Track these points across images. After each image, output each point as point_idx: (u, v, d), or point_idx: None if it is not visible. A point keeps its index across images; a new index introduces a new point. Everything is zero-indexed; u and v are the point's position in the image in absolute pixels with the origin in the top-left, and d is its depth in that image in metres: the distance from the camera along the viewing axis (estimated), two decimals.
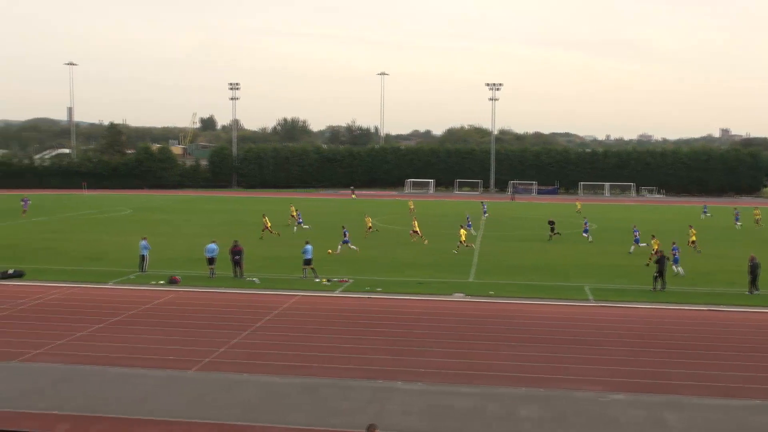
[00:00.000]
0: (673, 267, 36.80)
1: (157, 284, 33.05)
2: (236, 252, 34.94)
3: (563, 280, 35.24)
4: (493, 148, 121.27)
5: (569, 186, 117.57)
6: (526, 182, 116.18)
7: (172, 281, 33.40)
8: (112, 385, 19.13)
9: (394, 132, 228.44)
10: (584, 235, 51.94)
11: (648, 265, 38.74)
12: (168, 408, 17.44)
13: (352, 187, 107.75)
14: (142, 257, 36.04)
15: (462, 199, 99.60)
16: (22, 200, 69.30)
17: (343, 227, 45.83)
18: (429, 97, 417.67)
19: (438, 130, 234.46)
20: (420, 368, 20.81)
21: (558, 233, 51.93)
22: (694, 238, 46.08)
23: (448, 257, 42.34)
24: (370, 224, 53.19)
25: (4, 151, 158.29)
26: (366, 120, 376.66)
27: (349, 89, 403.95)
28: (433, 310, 28.68)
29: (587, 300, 30.87)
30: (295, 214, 58.58)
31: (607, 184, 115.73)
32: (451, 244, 48.20)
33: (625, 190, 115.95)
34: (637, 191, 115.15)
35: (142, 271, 35.65)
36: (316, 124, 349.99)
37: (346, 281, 34.05)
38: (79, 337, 23.85)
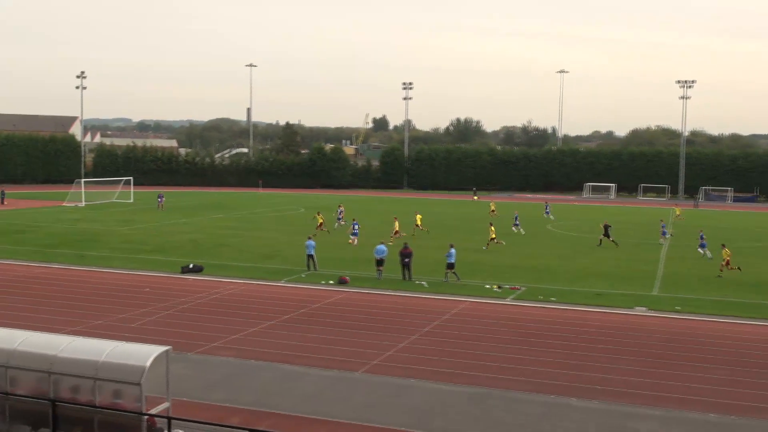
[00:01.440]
0: None
1: (327, 284, 34.19)
2: (406, 254, 35.42)
3: (763, 298, 32.75)
4: (683, 151, 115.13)
5: None
6: (720, 188, 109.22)
7: (341, 281, 34.43)
8: (282, 381, 19.97)
9: (572, 133, 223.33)
10: (662, 237, 52.67)
11: (720, 276, 37.80)
12: (335, 408, 17.93)
13: (474, 188, 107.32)
14: (310, 257, 37.46)
15: (647, 205, 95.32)
16: (159, 197, 75.55)
17: (354, 220, 50.84)
18: (612, 95, 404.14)
19: (621, 131, 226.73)
20: (596, 385, 20.07)
21: (613, 241, 49.42)
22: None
23: (630, 267, 40.63)
24: (419, 222, 54.53)
25: (189, 149, 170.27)
26: (543, 120, 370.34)
27: (526, 88, 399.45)
28: (612, 323, 27.63)
29: None
30: (338, 213, 60.04)
31: None
32: (638, 252, 46.29)
33: None
34: None
35: (313, 269, 37.01)
36: (490, 125, 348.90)
37: (517, 289, 33.58)
38: (252, 332, 25.13)
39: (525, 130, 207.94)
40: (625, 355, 23.15)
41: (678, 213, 71.97)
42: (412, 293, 32.52)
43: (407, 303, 30.52)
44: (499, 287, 33.71)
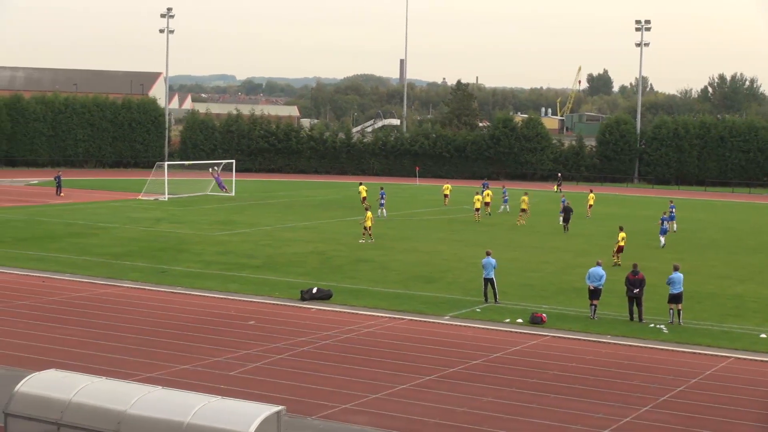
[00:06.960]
0: None
1: (514, 323, 34.18)
2: (635, 282, 34.76)
3: None
4: None
5: None
6: None
7: (534, 320, 34.29)
8: None
9: None
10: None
11: (617, 264, 45.68)
12: None
13: (559, 175, 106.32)
14: (489, 281, 37.41)
15: None
16: (219, 181, 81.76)
17: (381, 189, 67.78)
18: None
19: None
20: None
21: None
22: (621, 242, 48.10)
23: None
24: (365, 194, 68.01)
25: (315, 120, 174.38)
26: None
27: None
28: None
29: None
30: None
31: None
32: None
33: None
34: None
35: (493, 301, 37.04)
36: None
37: None
38: (399, 391, 25.47)
39: None
40: None
41: (590, 201, 72.60)
42: (644, 342, 31.98)
43: (635, 356, 30.05)
44: None
